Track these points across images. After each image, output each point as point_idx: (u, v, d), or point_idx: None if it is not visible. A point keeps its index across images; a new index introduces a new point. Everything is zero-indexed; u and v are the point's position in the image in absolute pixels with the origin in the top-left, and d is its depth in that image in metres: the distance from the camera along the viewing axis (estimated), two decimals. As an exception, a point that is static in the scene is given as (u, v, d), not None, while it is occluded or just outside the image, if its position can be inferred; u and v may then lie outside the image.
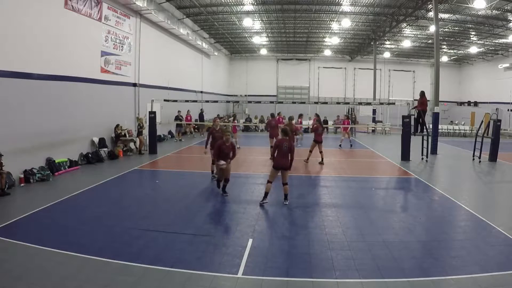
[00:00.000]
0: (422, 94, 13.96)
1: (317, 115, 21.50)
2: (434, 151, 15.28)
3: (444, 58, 30.60)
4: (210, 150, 9.62)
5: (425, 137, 13.90)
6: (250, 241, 5.57)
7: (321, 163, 12.76)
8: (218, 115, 27.87)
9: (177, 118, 18.96)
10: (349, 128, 19.13)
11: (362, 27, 23.57)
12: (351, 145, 18.54)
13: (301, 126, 19.59)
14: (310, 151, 12.95)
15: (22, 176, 9.10)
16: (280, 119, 18.07)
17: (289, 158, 7.50)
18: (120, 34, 14.37)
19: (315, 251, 5.31)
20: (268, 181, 7.60)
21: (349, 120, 21.03)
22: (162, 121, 16.73)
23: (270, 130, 14.61)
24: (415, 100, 20.71)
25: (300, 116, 19.43)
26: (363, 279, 4.45)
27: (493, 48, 26.16)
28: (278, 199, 7.78)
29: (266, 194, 7.61)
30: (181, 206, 7.56)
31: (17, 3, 9.05)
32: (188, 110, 20.43)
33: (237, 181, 9.62)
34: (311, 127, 13.64)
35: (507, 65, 26.32)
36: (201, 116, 22.90)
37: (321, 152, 12.88)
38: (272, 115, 15.67)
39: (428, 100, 14.90)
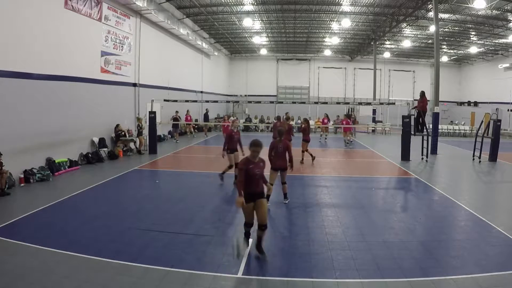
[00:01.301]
0: (422, 94, 14.01)
1: (326, 115, 21.92)
2: (434, 151, 15.28)
3: (444, 58, 30.59)
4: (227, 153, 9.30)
5: (425, 137, 13.92)
6: (250, 241, 5.56)
7: (312, 159, 12.94)
8: (218, 114, 27.97)
9: (175, 118, 18.77)
10: (351, 129, 19.05)
11: (362, 27, 23.56)
12: (346, 143, 18.52)
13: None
14: (307, 151, 13.02)
15: (22, 176, 9.10)
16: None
17: (287, 158, 7.49)
18: (120, 34, 14.37)
19: (315, 251, 5.31)
20: (270, 184, 7.51)
21: (348, 120, 20.92)
22: (162, 121, 16.72)
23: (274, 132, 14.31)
24: (415, 100, 20.74)
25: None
26: (363, 279, 4.45)
27: (493, 48, 26.15)
28: (278, 199, 7.78)
29: (268, 196, 7.49)
30: (181, 206, 7.56)
31: (17, 3, 9.05)
32: (187, 110, 20.41)
33: (237, 181, 9.61)
34: (300, 127, 13.70)
35: (507, 65, 26.31)
36: (206, 116, 23.07)
37: (303, 151, 12.99)
38: (278, 117, 15.39)
39: (428, 100, 14.91)
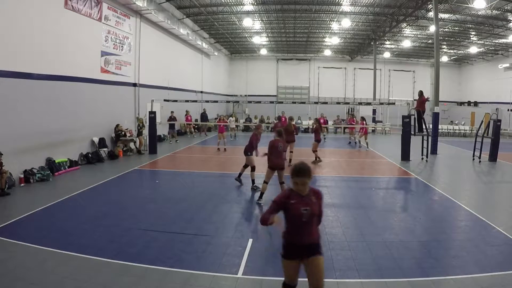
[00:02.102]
0: (420, 93, 14.10)
1: (322, 115, 22.14)
2: (434, 151, 15.28)
3: (444, 58, 30.59)
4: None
5: (425, 137, 13.93)
6: (250, 241, 5.57)
7: (314, 162, 12.93)
8: (217, 114, 27.94)
9: (171, 118, 18.53)
10: (358, 128, 18.92)
11: (362, 27, 23.56)
12: (349, 142, 18.50)
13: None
14: (315, 151, 13.06)
15: (22, 176, 9.10)
16: (284, 118, 18.12)
17: (284, 157, 7.63)
18: (120, 34, 14.37)
19: (315, 251, 5.30)
20: (264, 182, 7.66)
21: (354, 119, 20.92)
22: (162, 121, 16.71)
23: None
24: (415, 100, 20.76)
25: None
26: (363, 279, 4.45)
27: (493, 48, 26.15)
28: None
29: (261, 194, 7.71)
30: (181, 206, 7.55)
31: (17, 3, 9.05)
32: (187, 111, 20.35)
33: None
34: (312, 127, 13.83)
35: (507, 65, 26.31)
36: (204, 116, 23.02)
37: (314, 151, 13.04)
38: (279, 118, 15.73)
39: (428, 100, 14.93)
